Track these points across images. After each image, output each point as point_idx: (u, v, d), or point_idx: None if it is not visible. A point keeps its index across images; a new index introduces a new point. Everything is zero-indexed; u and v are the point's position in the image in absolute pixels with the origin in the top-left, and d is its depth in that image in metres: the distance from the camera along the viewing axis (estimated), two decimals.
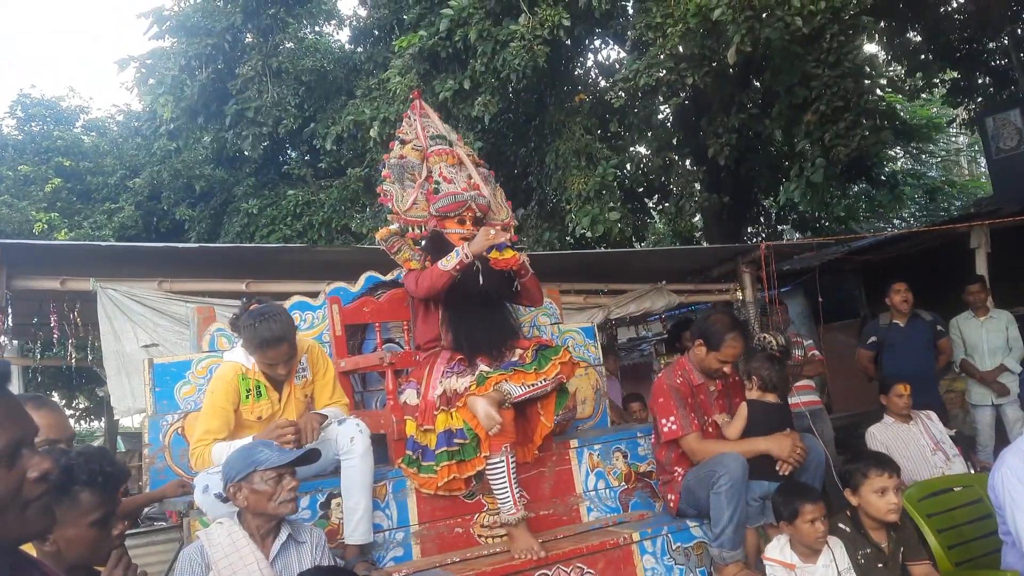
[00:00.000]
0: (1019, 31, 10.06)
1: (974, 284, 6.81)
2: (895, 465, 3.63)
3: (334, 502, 3.61)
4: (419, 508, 3.82)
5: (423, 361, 4.08)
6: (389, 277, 4.56)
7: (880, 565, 3.46)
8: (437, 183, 4.22)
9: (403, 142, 4.39)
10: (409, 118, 4.51)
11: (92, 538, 2.22)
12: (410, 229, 4.20)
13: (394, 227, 4.21)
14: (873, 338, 6.60)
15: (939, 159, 16.67)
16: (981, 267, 7.43)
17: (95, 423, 13.78)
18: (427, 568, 3.60)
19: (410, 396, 4.02)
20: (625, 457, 4.38)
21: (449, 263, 3.87)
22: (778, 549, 3.46)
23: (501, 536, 3.83)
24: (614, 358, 7.62)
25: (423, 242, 4.16)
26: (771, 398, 4.15)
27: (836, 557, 3.40)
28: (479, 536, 3.87)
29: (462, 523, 3.87)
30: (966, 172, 17.97)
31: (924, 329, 6.49)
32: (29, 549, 2.22)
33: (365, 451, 3.54)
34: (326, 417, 3.61)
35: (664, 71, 7.22)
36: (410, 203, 4.18)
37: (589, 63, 10.59)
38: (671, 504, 4.10)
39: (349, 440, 3.52)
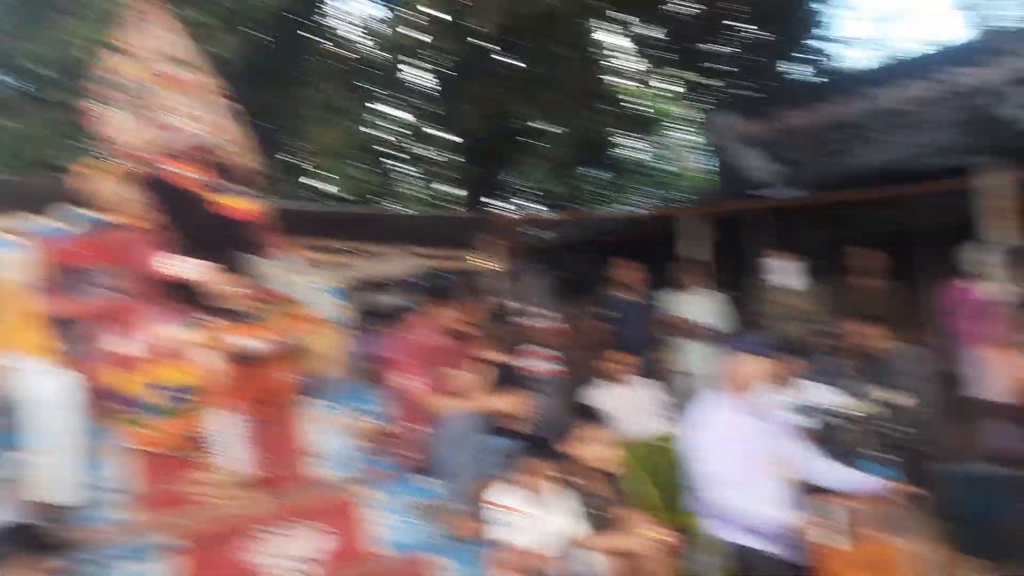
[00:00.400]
0: (747, 38, 11.11)
1: (678, 263, 7.49)
2: (608, 419, 3.88)
3: (31, 457, 3.20)
4: (136, 466, 3.49)
5: (142, 309, 3.69)
6: (107, 219, 4.07)
7: (601, 513, 3.67)
8: (169, 115, 3.76)
9: (126, 54, 3.84)
10: (137, 25, 3.92)
11: None
12: (129, 165, 3.74)
13: (107, 162, 3.75)
14: (605, 311, 7.08)
15: (671, 152, 18.05)
16: (702, 253, 8.11)
17: None
18: (145, 528, 3.31)
19: (126, 346, 3.63)
20: (364, 415, 4.28)
21: (173, 269, 3.53)
22: (507, 496, 3.55)
23: (229, 495, 3.57)
24: (383, 317, 7.45)
25: (145, 183, 3.68)
26: (503, 358, 4.29)
27: (564, 508, 3.57)
28: (204, 495, 3.58)
29: (185, 482, 3.57)
30: (695, 166, 19.59)
31: (648, 304, 7.06)
32: None
33: (68, 401, 3.22)
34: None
35: (419, 33, 7.14)
36: (131, 132, 3.72)
37: (343, 16, 10.26)
38: (410, 461, 4.10)
39: (49, 390, 3.19)
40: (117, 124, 3.71)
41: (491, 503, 3.59)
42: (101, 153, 3.82)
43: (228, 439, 3.51)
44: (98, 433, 3.42)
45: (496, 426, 4.02)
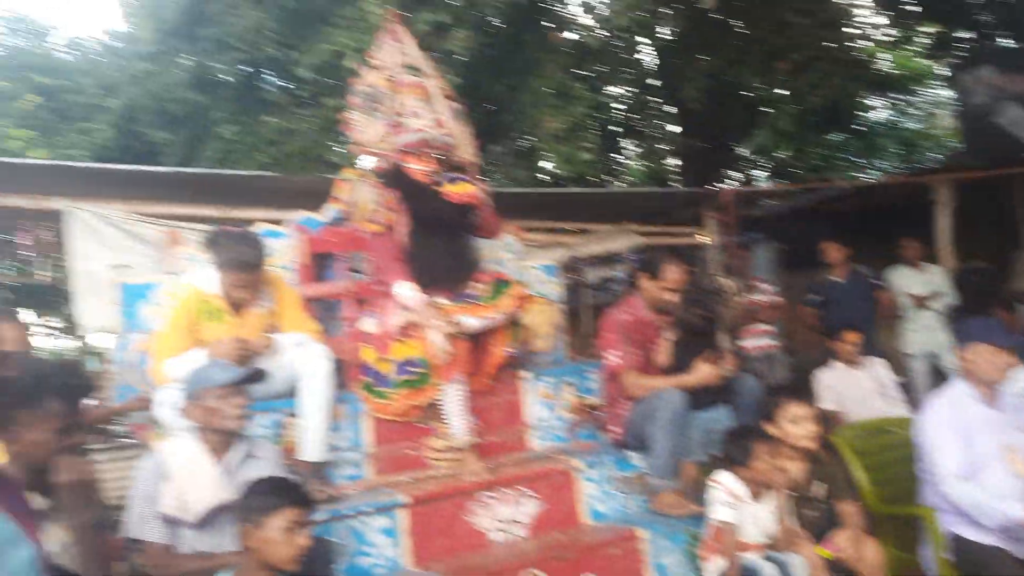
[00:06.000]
0: None
1: (907, 239, 7.08)
2: (809, 395, 3.78)
3: (291, 421, 3.77)
4: (373, 431, 3.99)
5: (382, 291, 4.19)
6: (351, 212, 4.63)
7: (792, 493, 3.58)
8: (403, 117, 4.25)
9: (374, 68, 4.39)
10: (383, 42, 4.49)
11: (53, 444, 2.33)
12: (372, 163, 4.28)
13: (355, 161, 4.25)
14: (813, 295, 6.91)
15: (920, 111, 16.65)
16: (942, 221, 7.60)
17: (65, 342, 13.86)
18: (378, 487, 3.80)
19: (369, 325, 4.15)
20: (574, 389, 4.55)
21: (402, 294, 3.95)
22: (727, 478, 3.51)
23: (450, 459, 4.00)
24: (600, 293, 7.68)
25: (384, 176, 4.21)
26: (715, 333, 4.27)
27: (780, 503, 3.51)
28: (429, 459, 4.05)
29: (414, 446, 4.05)
30: (948, 125, 17.97)
31: (861, 283, 6.81)
32: None
33: (326, 374, 3.68)
34: (272, 341, 3.73)
35: (642, 12, 7.20)
36: (375, 135, 4.23)
37: (568, 1, 10.48)
38: (615, 435, 4.29)
39: (311, 361, 3.67)
40: (363, 127, 4.22)
41: (712, 482, 3.56)
42: (351, 152, 4.35)
43: (451, 408, 3.91)
44: (341, 400, 3.93)
45: (703, 399, 4.08)
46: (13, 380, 2.15)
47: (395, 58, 4.41)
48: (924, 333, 6.85)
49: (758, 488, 3.48)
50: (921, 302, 6.84)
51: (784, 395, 3.73)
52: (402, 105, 4.29)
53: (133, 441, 4.61)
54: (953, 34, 11.04)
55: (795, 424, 3.60)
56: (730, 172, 11.94)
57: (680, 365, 4.16)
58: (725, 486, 3.49)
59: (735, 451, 3.51)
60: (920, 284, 6.94)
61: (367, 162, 4.40)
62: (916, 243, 7.04)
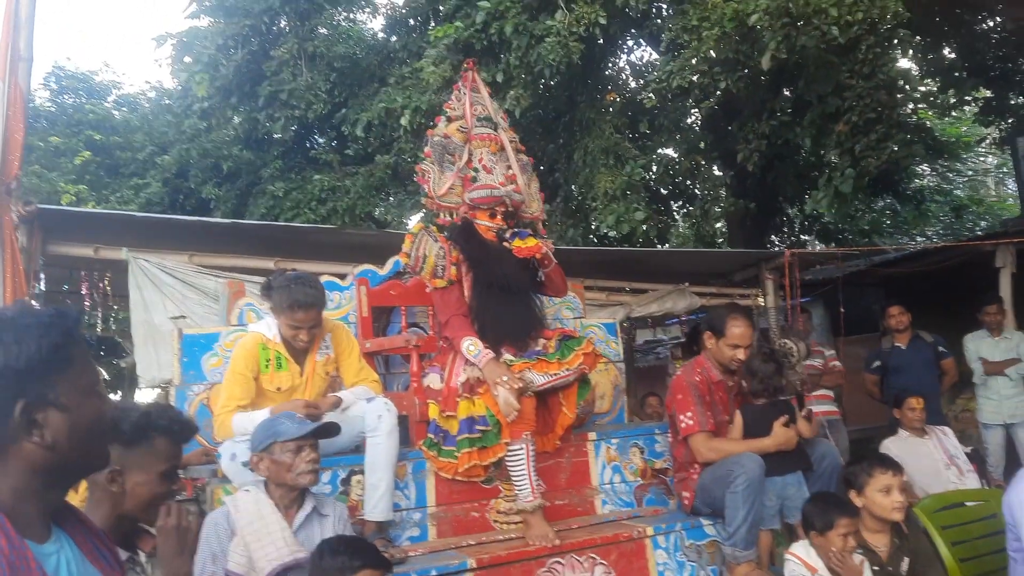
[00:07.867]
0: None
1: (991, 305, 6.88)
2: (898, 464, 3.62)
3: (355, 479, 3.66)
4: (437, 490, 3.86)
5: (447, 347, 4.10)
6: (414, 265, 4.57)
7: (875, 568, 3.42)
8: (476, 171, 4.18)
9: (449, 119, 4.33)
10: (459, 91, 4.43)
11: (156, 487, 2.23)
12: (440, 215, 4.24)
13: (422, 215, 4.19)
14: (877, 362, 6.79)
15: (967, 178, 16.56)
16: (1005, 287, 7.42)
17: (112, 396, 13.91)
18: (442, 549, 3.65)
19: (433, 380, 4.05)
20: (642, 453, 4.41)
21: (467, 351, 3.83)
22: (803, 550, 3.37)
23: (516, 523, 3.86)
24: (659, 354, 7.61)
25: (452, 230, 4.13)
26: (760, 401, 4.14)
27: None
28: (495, 521, 3.91)
29: (479, 507, 3.91)
30: (993, 192, 17.88)
31: (925, 350, 6.65)
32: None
33: (391, 430, 3.57)
34: (341, 400, 3.65)
35: (696, 75, 7.21)
36: (445, 188, 4.19)
37: (622, 63, 10.59)
38: (685, 501, 4.12)
39: (376, 418, 3.56)
40: (434, 177, 4.17)
41: (788, 554, 3.42)
42: (416, 205, 4.30)
43: (519, 469, 3.78)
44: (405, 458, 3.82)
45: (778, 465, 3.93)
46: (118, 424, 2.08)
47: (469, 107, 4.37)
48: (1000, 402, 6.63)
49: (838, 562, 3.27)
50: (996, 369, 6.64)
51: (875, 463, 3.55)
52: (475, 157, 4.23)
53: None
54: (1003, 100, 10.99)
55: (886, 495, 3.42)
56: (776, 235, 11.87)
57: (753, 428, 4.00)
58: (800, 558, 3.33)
59: (815, 519, 3.36)
60: (999, 351, 6.73)
61: (436, 215, 4.34)
62: (997, 308, 6.86)
